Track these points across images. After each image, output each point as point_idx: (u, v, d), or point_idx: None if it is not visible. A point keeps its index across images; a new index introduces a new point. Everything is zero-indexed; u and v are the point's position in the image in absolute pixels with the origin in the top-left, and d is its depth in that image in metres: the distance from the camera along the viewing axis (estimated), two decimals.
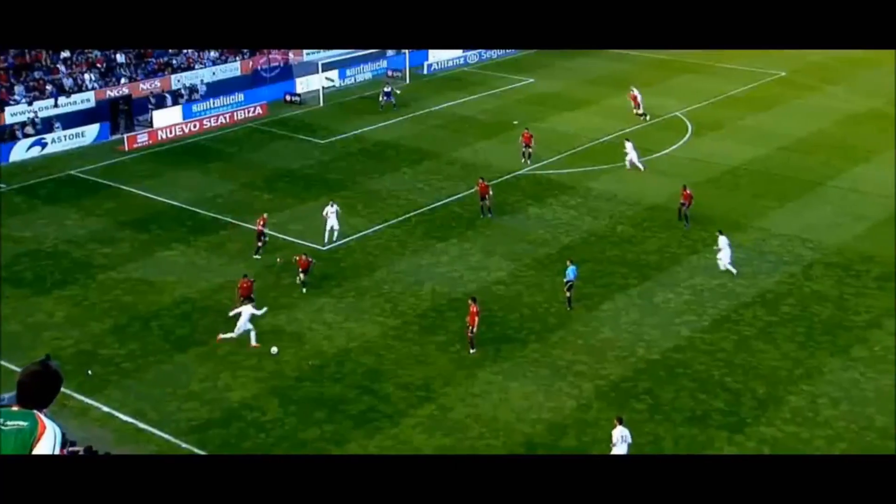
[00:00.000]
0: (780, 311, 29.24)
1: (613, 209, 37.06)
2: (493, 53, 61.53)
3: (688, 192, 35.19)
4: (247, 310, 27.17)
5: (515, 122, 47.70)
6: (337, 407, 24.69)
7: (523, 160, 41.52)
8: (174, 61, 51.52)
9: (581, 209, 37.20)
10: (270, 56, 54.17)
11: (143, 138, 45.02)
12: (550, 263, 32.52)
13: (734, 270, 31.09)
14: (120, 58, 50.01)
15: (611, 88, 53.72)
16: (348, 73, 55.43)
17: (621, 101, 51.06)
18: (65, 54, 48.28)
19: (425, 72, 57.72)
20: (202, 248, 33.90)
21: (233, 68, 52.89)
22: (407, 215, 36.67)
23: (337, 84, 54.71)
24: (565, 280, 29.26)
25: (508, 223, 36.01)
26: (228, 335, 27.24)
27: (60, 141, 44.06)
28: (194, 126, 46.95)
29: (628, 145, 41.14)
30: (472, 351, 26.70)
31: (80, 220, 36.29)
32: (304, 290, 30.48)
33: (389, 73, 56.81)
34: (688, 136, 45.70)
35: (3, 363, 25.85)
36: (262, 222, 33.17)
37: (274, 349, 26.87)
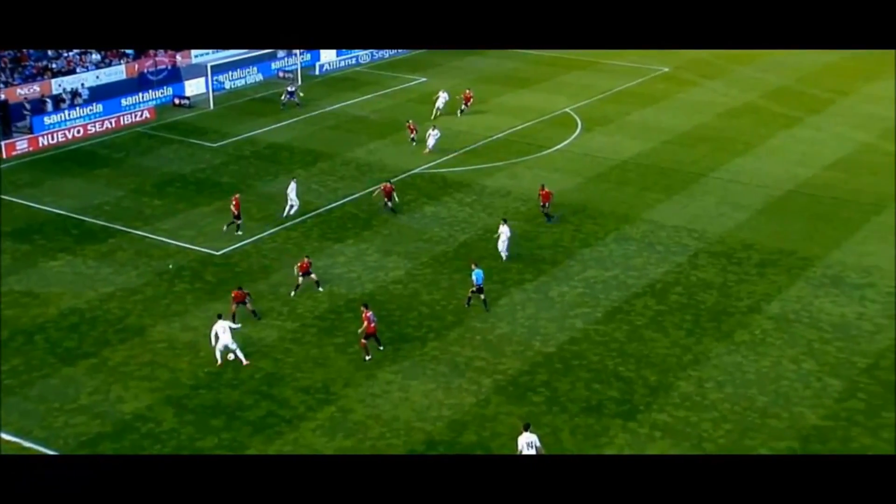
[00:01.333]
0: (668, 300, 30.06)
1: (508, 205, 37.43)
2: (385, 53, 61.42)
3: (545, 191, 35.82)
4: (221, 327, 25.93)
5: (409, 122, 47.66)
6: (235, 414, 24.20)
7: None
8: (54, 65, 49.57)
9: (476, 206, 37.43)
10: (157, 59, 52.79)
11: (22, 145, 43.20)
12: (447, 261, 32.64)
13: (504, 255, 31.82)
14: None
15: (501, 87, 54.26)
16: (238, 74, 54.44)
17: (513, 98, 51.70)
18: None
19: (317, 72, 57.21)
20: (90, 258, 32.77)
21: (117, 71, 51.31)
22: (302, 217, 36.25)
23: (226, 86, 53.63)
24: (474, 283, 28.97)
25: (405, 222, 35.99)
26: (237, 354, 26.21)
27: None
28: (78, 132, 45.35)
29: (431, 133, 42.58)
30: (367, 358, 26.44)
31: None
32: (321, 287, 30.11)
33: (281, 74, 56.03)
34: (578, 131, 46.47)
35: None
36: (235, 202, 34.02)
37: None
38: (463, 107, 48.52)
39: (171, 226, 35.39)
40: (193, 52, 54.53)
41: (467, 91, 49.19)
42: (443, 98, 48.57)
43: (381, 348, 26.82)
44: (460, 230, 35.23)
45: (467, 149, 43.97)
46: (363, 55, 60.05)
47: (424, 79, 56.20)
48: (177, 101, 50.63)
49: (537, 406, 24.55)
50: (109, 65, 51.33)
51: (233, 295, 28.42)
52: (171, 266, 32.10)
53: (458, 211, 36.99)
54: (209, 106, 49.99)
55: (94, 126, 45.99)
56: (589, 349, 27.27)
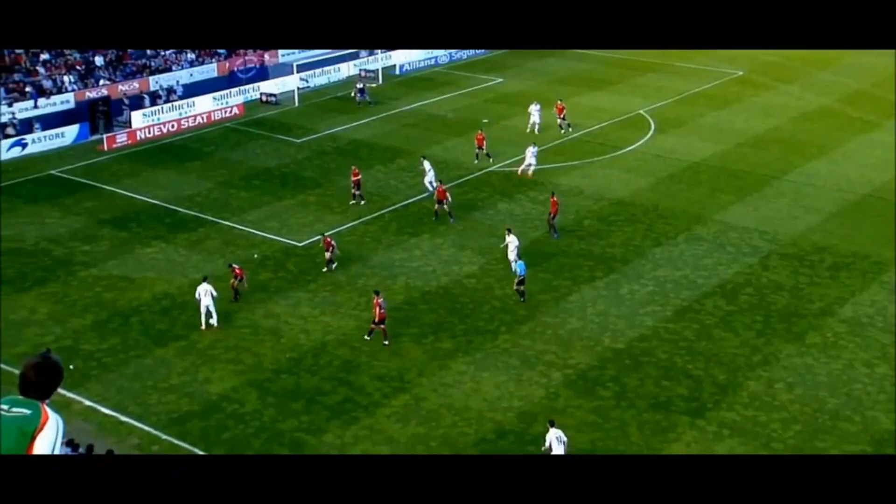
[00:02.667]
0: (738, 300, 29.50)
1: (580, 204, 37.17)
2: (463, 54, 61.53)
3: (554, 199, 34.59)
4: (204, 289, 27.72)
5: (485, 121, 47.76)
6: (314, 398, 24.61)
7: (476, 161, 41.52)
8: (152, 63, 51.02)
9: (549, 204, 37.13)
10: (246, 58, 53.86)
11: (121, 138, 44.55)
12: (519, 257, 32.52)
13: (514, 263, 29.98)
14: (98, 60, 49.46)
15: (577, 88, 53.86)
16: (322, 73, 55.20)
17: (588, 99, 51.33)
18: (44, 56, 47.67)
19: (397, 72, 57.60)
20: (181, 246, 33.65)
21: (209, 70, 52.53)
22: (381, 212, 36.61)
23: (311, 85, 54.49)
24: (517, 276, 29.10)
25: (479, 218, 36.04)
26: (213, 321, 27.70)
27: (40, 141, 43.52)
28: (172, 126, 46.53)
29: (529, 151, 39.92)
30: (366, 337, 26.93)
31: (60, 218, 35.87)
32: (333, 265, 31.43)
33: (362, 73, 56.59)
34: (651, 133, 45.93)
35: None
36: (354, 175, 36.47)
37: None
38: (559, 121, 45.07)
39: (257, 217, 36.10)
40: (281, 51, 55.54)
41: (559, 103, 45.92)
42: (536, 111, 45.03)
43: (387, 343, 26.73)
44: (532, 227, 35.12)
45: (542, 148, 43.66)
46: (442, 55, 60.30)
47: (501, 79, 56.13)
48: (264, 98, 51.48)
49: (606, 401, 24.37)
50: (202, 63, 52.60)
51: (235, 273, 29.27)
52: (256, 255, 32.75)
53: (531, 208, 36.90)
54: (294, 103, 50.80)
55: (187, 121, 47.17)
56: (658, 346, 26.94)
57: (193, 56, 52.77)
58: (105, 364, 26.12)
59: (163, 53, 51.75)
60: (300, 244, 33.56)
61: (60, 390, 5.41)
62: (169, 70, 51.12)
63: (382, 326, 26.84)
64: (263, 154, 43.61)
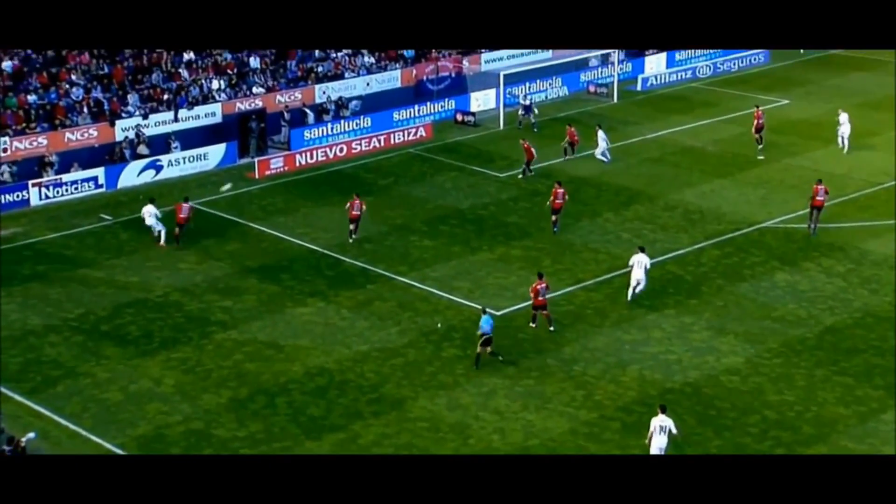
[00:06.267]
0: None
1: None
2: (731, 65, 61.15)
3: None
4: (148, 211, 39.18)
5: (760, 158, 47.08)
6: None
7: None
8: (320, 67, 53.84)
9: (852, 279, 36.40)
10: (439, 64, 55.76)
11: (277, 163, 47.27)
12: (806, 351, 31.94)
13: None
14: (253, 62, 52.77)
15: None
16: (536, 87, 56.29)
17: None
18: (188, 56, 51.44)
19: (639, 87, 58.04)
20: (344, 306, 35.02)
21: (391, 78, 54.86)
22: (608, 275, 36.73)
23: (521, 101, 55.60)
24: (479, 333, 30.92)
25: (747, 292, 35.56)
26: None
27: (178, 164, 46.86)
28: (341, 150, 48.80)
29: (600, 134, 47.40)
30: (532, 325, 32.90)
31: (197, 264, 38.32)
32: (355, 236, 39.23)
33: (592, 88, 57.33)
34: None
35: (96, 439, 27.61)
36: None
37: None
38: (755, 136, 48.16)
39: (443, 274, 37.02)
40: (483, 56, 57.21)
41: (756, 110, 48.80)
42: (846, 122, 47.75)
43: (552, 329, 32.51)
44: (827, 310, 34.31)
45: (844, 198, 42.75)
46: (702, 67, 60.14)
47: (785, 101, 55.29)
48: (459, 116, 53.14)
49: None
50: (384, 69, 55.00)
51: (179, 217, 39.10)
52: (440, 325, 33.50)
53: (826, 283, 36.12)
54: (499, 125, 52.04)
55: (360, 144, 49.41)
56: None
57: (372, 60, 55.29)
58: (242, 457, 27.42)
59: (334, 55, 54.58)
60: (498, 313, 33.97)
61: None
62: (340, 77, 53.83)
63: (545, 312, 32.67)
64: (455, 190, 44.80)
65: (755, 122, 48.09)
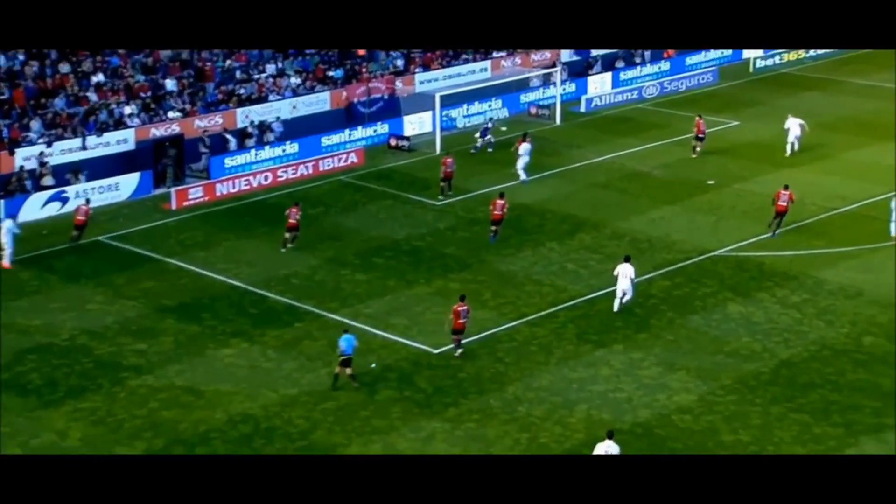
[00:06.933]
0: None
1: (858, 312, 36.42)
2: (679, 85, 61.80)
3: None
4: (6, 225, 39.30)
5: (710, 182, 47.49)
6: None
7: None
8: (242, 90, 53.60)
9: (807, 309, 36.69)
10: (371, 85, 55.75)
11: (196, 193, 46.88)
12: (761, 387, 32.06)
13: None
14: (170, 84, 52.39)
15: (853, 137, 53.11)
16: (476, 108, 56.50)
17: (872, 154, 50.50)
18: (96, 79, 50.91)
19: (583, 108, 58.40)
20: (270, 346, 34.68)
21: (320, 100, 54.68)
22: (553, 308, 36.79)
23: (459, 125, 55.72)
24: (338, 353, 31.76)
25: (699, 325, 35.74)
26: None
27: (86, 195, 45.93)
28: (265, 178, 48.57)
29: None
30: (456, 354, 33.51)
31: (107, 304, 37.70)
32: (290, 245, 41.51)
33: (533, 109, 57.63)
34: None
35: None
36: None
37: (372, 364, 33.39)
38: (695, 142, 51.20)
39: (377, 310, 36.82)
40: (418, 77, 57.30)
41: (698, 118, 51.78)
42: (795, 126, 50.70)
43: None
44: (782, 342, 34.56)
45: (798, 224, 43.19)
46: (648, 87, 60.72)
47: (735, 122, 55.94)
48: (393, 141, 53.15)
49: None
50: (311, 91, 54.87)
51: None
52: (373, 365, 33.25)
53: (781, 314, 36.39)
54: (434, 150, 52.09)
55: (286, 172, 49.12)
56: None
57: (297, 81, 55.14)
58: None
59: (258, 77, 54.36)
60: (436, 351, 33.92)
61: None
62: (264, 100, 53.59)
63: (455, 337, 33.08)
64: (390, 220, 44.71)
65: (695, 130, 50.98)
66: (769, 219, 42.15)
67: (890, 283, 38.22)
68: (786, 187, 42.00)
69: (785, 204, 41.58)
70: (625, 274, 35.88)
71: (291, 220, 41.26)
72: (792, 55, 66.58)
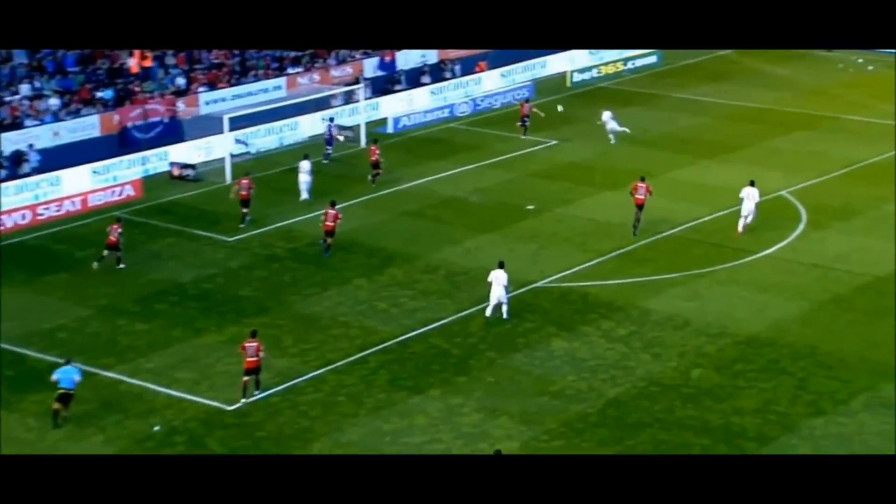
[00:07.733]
0: None
1: (685, 343, 37.12)
2: (493, 102, 62.26)
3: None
4: None
5: (530, 208, 47.76)
6: None
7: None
8: None
9: (634, 343, 37.15)
10: (148, 108, 54.63)
11: None
12: (588, 429, 32.32)
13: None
14: None
15: (676, 155, 54.32)
16: (270, 130, 55.74)
17: (696, 173, 51.88)
18: None
19: (390, 129, 58.25)
20: (30, 414, 33.27)
21: (87, 125, 53.38)
22: (362, 353, 36.53)
23: (252, 150, 54.87)
24: (58, 386, 32.10)
25: (522, 364, 35.88)
26: None
27: None
28: (23, 217, 46.86)
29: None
30: (245, 400, 33.74)
31: None
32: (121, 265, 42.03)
33: (334, 130, 56.86)
34: (800, 228, 46.13)
35: None
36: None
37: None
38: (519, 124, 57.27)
39: (161, 364, 35.89)
40: (202, 97, 56.39)
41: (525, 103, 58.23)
42: (610, 120, 55.63)
43: (257, 393, 33.61)
44: (609, 380, 34.95)
45: (622, 251, 43.78)
46: (460, 105, 60.98)
47: (553, 141, 56.55)
48: (176, 170, 52.17)
49: None
50: (76, 115, 53.31)
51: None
52: (157, 428, 32.35)
53: (607, 349, 36.83)
54: (224, 178, 51.27)
55: (48, 208, 47.52)
56: None
57: (59, 103, 53.45)
58: None
59: (10, 100, 52.34)
60: (230, 408, 33.32)
61: None
62: (19, 126, 51.71)
63: (246, 378, 33.65)
64: (173, 260, 43.79)
65: (520, 111, 57.40)
66: (632, 219, 44.76)
67: (716, 310, 39.21)
68: (642, 179, 44.68)
69: (643, 197, 44.18)
70: (499, 281, 37.73)
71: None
72: (610, 68, 68.14)
